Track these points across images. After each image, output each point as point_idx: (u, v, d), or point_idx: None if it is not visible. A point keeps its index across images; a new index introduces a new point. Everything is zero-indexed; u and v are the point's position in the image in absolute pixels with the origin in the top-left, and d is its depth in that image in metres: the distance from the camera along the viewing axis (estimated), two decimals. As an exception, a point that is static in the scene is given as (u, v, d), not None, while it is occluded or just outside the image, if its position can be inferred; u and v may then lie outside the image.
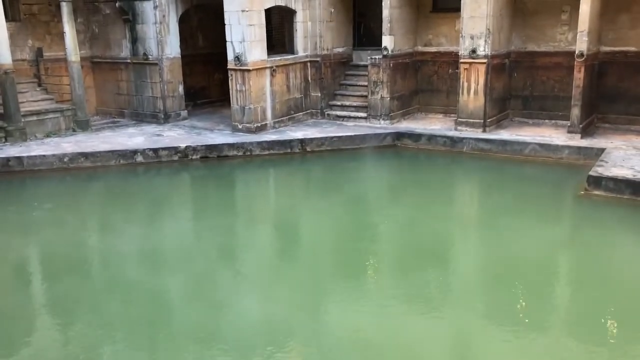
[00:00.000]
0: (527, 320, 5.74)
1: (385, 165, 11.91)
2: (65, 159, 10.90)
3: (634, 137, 11.23)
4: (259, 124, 12.64)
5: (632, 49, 11.85)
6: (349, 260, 7.27)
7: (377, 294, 6.45)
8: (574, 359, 5.17)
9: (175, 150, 11.48)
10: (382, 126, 13.05)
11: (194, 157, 11.49)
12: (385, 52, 13.07)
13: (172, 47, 13.64)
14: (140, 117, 13.98)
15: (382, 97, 13.26)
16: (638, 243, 7.48)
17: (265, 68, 12.64)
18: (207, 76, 15.40)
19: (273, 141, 12.00)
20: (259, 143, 11.88)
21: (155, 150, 11.40)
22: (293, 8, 13.24)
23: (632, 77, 11.91)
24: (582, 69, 11.08)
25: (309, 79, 14.00)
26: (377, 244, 7.97)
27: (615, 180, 8.70)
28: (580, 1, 10.82)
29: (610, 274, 6.76)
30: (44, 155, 10.85)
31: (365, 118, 13.50)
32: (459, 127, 12.35)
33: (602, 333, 5.53)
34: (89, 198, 10.07)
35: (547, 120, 12.72)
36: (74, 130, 12.71)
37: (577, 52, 11.08)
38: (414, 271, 6.90)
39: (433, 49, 14.00)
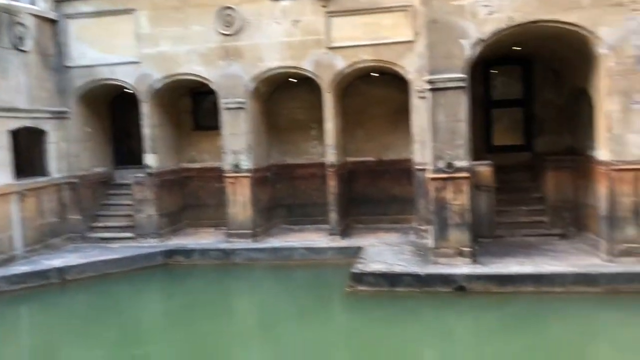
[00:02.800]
0: None
1: (158, 286, 11.33)
2: None
3: (383, 234, 12.63)
4: (6, 256, 11.10)
5: (370, 159, 13.70)
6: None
7: None
8: None
9: None
10: (152, 245, 12.54)
11: None
12: (149, 170, 12.88)
13: None
14: None
15: (149, 215, 12.86)
16: (402, 333, 8.16)
17: (12, 193, 11.36)
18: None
19: (24, 273, 10.60)
20: (6, 277, 10.37)
21: None
22: (43, 128, 12.38)
23: (373, 183, 13.67)
24: (334, 178, 12.34)
25: (67, 201, 12.96)
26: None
27: (373, 274, 9.57)
28: (324, 120, 12.28)
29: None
30: None
31: (133, 238, 12.86)
32: (230, 239, 12.51)
33: None
34: None
35: (310, 226, 13.64)
36: None
37: (327, 163, 12.36)
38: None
39: (198, 165, 14.30)
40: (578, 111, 11.35)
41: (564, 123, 12.19)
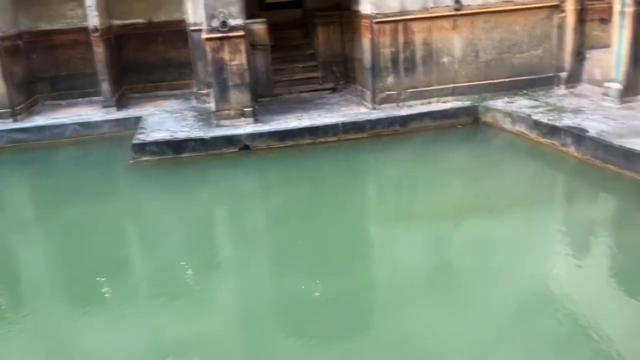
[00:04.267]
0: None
1: None
2: None
3: (162, 101, 12.15)
4: None
5: (141, 20, 12.64)
6: None
7: None
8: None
9: None
10: None
11: None
12: None
13: None
14: None
15: None
16: (191, 196, 8.24)
17: None
18: None
19: None
20: None
21: None
22: None
23: (146, 47, 12.76)
24: (101, 44, 11.21)
25: None
26: None
27: (157, 143, 9.31)
28: (81, -25, 10.80)
29: (158, 227, 7.29)
30: None
31: None
32: (-16, 122, 10.92)
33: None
34: None
35: (80, 99, 12.48)
36: None
37: (91, 28, 11.10)
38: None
39: None
40: (343, -34, 11.68)
41: (332, -22, 12.51)
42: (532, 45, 10.54)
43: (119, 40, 12.46)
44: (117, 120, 11.04)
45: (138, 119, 10.78)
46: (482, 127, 10.05)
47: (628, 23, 8.95)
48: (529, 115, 9.23)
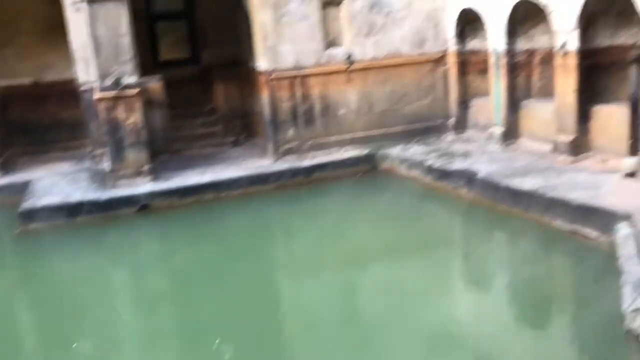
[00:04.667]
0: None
1: None
2: None
3: (54, 164, 11.47)
4: None
5: (27, 81, 12.06)
6: None
7: None
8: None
9: None
10: None
11: None
12: None
13: None
14: None
15: None
16: (87, 264, 7.79)
17: None
18: None
19: None
20: None
21: None
22: None
23: (36, 108, 12.10)
24: (-18, 106, 10.58)
25: None
26: None
27: (47, 209, 8.77)
28: (-42, 36, 10.21)
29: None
30: None
31: None
32: None
33: None
34: None
35: (-41, 165, 11.56)
36: None
37: (-29, 89, 10.47)
38: None
39: None
40: (237, 23, 11.88)
41: (227, 35, 12.61)
42: (421, 95, 11.18)
43: (3, 101, 11.78)
44: (1, 187, 10.30)
45: (26, 183, 10.13)
46: (380, 174, 10.39)
47: (503, 73, 9.76)
48: (423, 161, 9.69)
